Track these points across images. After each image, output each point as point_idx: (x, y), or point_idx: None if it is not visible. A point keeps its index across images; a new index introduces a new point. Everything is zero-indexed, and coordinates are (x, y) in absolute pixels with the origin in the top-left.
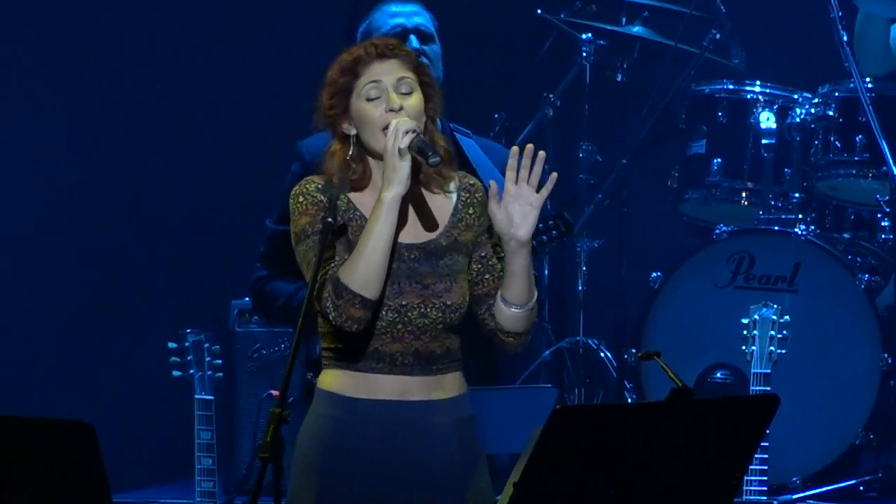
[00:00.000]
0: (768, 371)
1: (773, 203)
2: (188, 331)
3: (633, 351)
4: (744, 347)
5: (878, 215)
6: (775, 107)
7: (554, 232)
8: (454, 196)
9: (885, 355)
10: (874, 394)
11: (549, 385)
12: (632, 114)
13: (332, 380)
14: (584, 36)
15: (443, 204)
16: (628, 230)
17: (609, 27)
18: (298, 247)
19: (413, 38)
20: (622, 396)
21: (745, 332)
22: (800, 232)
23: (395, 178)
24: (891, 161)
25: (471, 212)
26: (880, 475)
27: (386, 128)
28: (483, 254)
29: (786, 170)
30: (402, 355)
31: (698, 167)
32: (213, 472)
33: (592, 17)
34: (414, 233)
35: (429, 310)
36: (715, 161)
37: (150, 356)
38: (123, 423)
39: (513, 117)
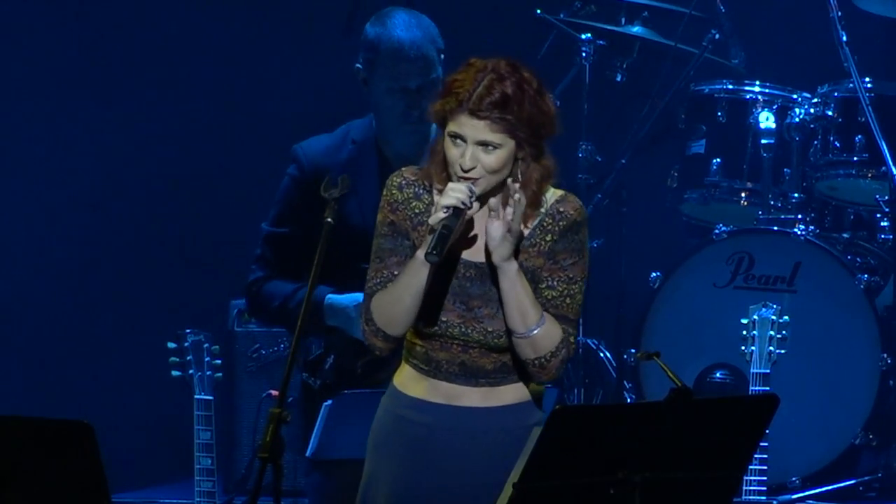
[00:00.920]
0: (768, 371)
1: (772, 203)
2: (187, 331)
3: (633, 351)
4: (743, 347)
5: (878, 215)
6: (775, 107)
7: None
8: (537, 219)
9: (885, 355)
10: (873, 394)
11: (549, 386)
12: (631, 114)
13: (399, 374)
14: (583, 36)
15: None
16: (628, 230)
17: (608, 27)
18: (374, 239)
19: (414, 105)
20: (621, 396)
21: (744, 332)
22: (799, 232)
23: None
24: (890, 161)
25: (547, 238)
26: (880, 475)
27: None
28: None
29: (785, 170)
30: (447, 364)
31: (698, 167)
32: (213, 472)
33: (592, 17)
34: (475, 250)
35: (469, 331)
36: (714, 161)
37: (149, 356)
38: (123, 423)
39: None
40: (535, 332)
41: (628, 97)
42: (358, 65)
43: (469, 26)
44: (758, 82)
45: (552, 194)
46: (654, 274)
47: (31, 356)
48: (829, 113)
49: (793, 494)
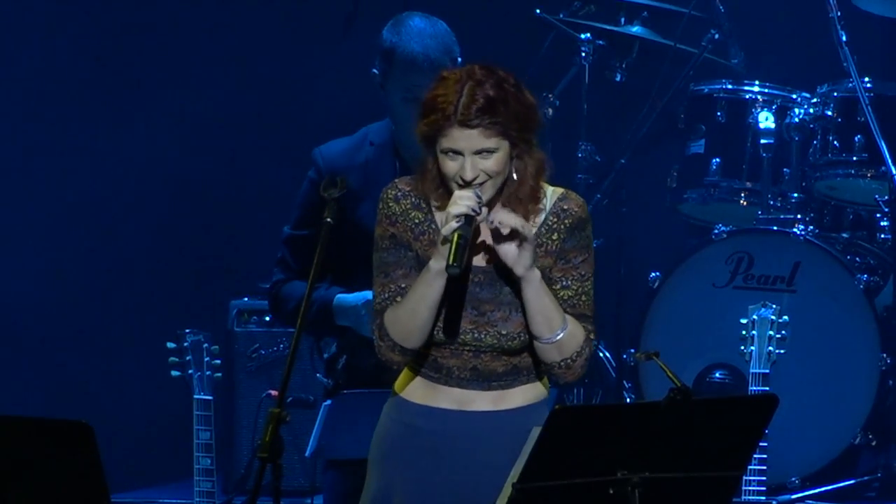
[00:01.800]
0: (767, 371)
1: (771, 203)
2: (187, 331)
3: (632, 351)
4: (742, 347)
5: (877, 215)
6: (774, 107)
7: None
8: (541, 218)
9: (884, 355)
10: (873, 394)
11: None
12: (631, 114)
13: (402, 382)
14: (582, 36)
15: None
16: (627, 230)
17: (608, 27)
18: (373, 254)
19: None
20: (621, 396)
21: (743, 332)
22: (798, 232)
23: (442, 252)
24: (889, 161)
25: (554, 237)
26: (879, 475)
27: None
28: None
29: (784, 170)
30: (458, 370)
31: (697, 167)
32: (212, 472)
33: (591, 17)
34: (482, 255)
35: (483, 336)
36: (714, 161)
37: (148, 356)
38: (122, 423)
39: None
40: (561, 336)
41: (628, 97)
42: (374, 70)
43: (468, 26)
44: (757, 82)
45: (553, 192)
46: (653, 274)
47: (30, 356)
48: (829, 113)
49: (792, 494)
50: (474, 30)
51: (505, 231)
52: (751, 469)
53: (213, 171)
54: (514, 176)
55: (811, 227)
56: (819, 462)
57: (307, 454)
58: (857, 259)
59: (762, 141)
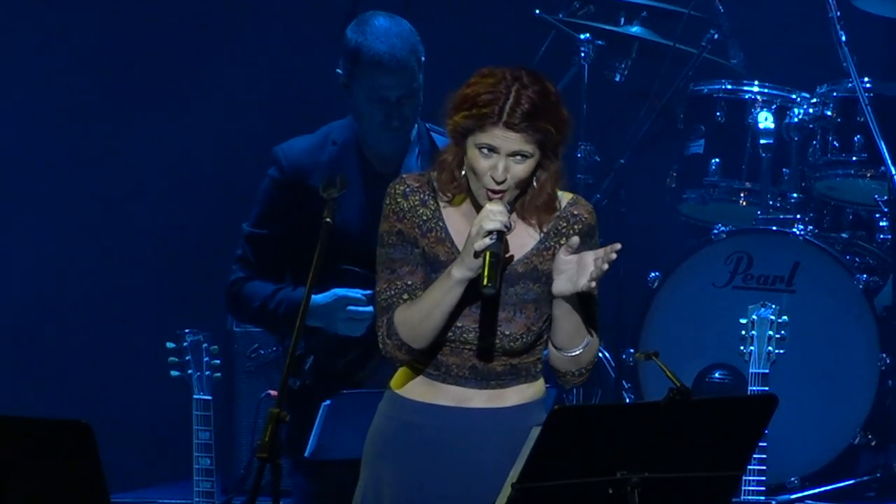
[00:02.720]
0: (766, 371)
1: (771, 203)
2: (186, 331)
3: (632, 351)
4: (742, 347)
5: (877, 215)
6: (773, 107)
7: None
8: (550, 222)
9: (884, 355)
10: (872, 394)
11: (548, 385)
12: (630, 114)
13: (400, 380)
14: (582, 36)
15: (533, 227)
16: (626, 230)
17: (607, 27)
18: (377, 249)
19: (394, 114)
20: (620, 396)
21: (743, 333)
22: (798, 232)
23: (467, 263)
24: (889, 161)
25: (561, 242)
26: (878, 475)
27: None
28: None
29: (784, 170)
30: (458, 368)
31: (696, 167)
32: (212, 472)
33: (591, 17)
34: None
35: (485, 335)
36: (713, 161)
37: (148, 356)
38: (122, 423)
39: None
40: (581, 350)
41: (627, 97)
42: (338, 70)
43: (468, 26)
44: (756, 82)
45: (562, 196)
46: (652, 274)
47: (30, 356)
48: (828, 113)
49: (791, 494)
50: (474, 30)
51: (593, 283)
52: (750, 469)
53: (212, 171)
54: (535, 184)
55: (810, 228)
56: (818, 462)
57: (306, 454)
58: (857, 259)
59: (762, 141)
